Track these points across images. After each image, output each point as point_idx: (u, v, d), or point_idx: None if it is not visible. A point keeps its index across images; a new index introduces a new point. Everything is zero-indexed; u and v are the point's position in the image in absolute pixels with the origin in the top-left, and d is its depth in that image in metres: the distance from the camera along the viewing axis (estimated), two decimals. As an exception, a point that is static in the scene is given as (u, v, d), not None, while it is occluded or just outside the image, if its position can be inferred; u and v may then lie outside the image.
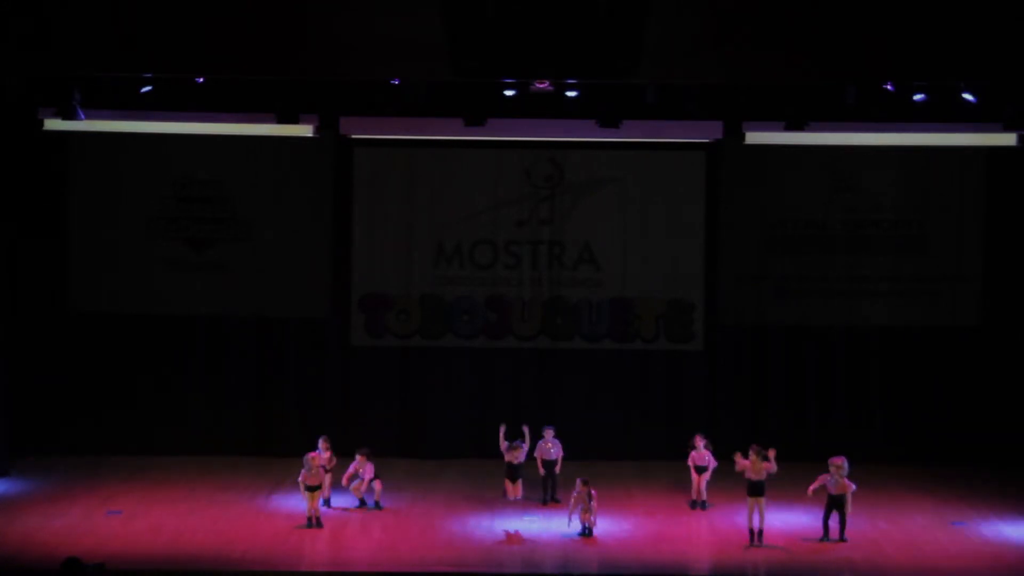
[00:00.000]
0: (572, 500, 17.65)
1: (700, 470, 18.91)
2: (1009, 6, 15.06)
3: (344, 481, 18.82)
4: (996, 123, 18.13)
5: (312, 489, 17.99)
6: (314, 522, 17.97)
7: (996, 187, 21.77)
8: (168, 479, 20.29)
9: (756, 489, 17.39)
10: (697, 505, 18.97)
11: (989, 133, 18.51)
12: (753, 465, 17.46)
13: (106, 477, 20.33)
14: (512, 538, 17.68)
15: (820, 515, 17.60)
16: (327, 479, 18.63)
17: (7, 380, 20.85)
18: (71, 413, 21.62)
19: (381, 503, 18.92)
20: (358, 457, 18.85)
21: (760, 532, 17.37)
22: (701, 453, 18.89)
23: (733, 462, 17.73)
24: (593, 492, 17.52)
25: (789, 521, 18.31)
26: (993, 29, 15.22)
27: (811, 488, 17.61)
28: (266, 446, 21.68)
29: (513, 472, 18.89)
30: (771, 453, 17.51)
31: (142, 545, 17.09)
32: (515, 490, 18.88)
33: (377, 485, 18.87)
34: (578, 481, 17.61)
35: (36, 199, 21.56)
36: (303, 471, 18.02)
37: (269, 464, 21.01)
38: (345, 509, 18.75)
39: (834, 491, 17.42)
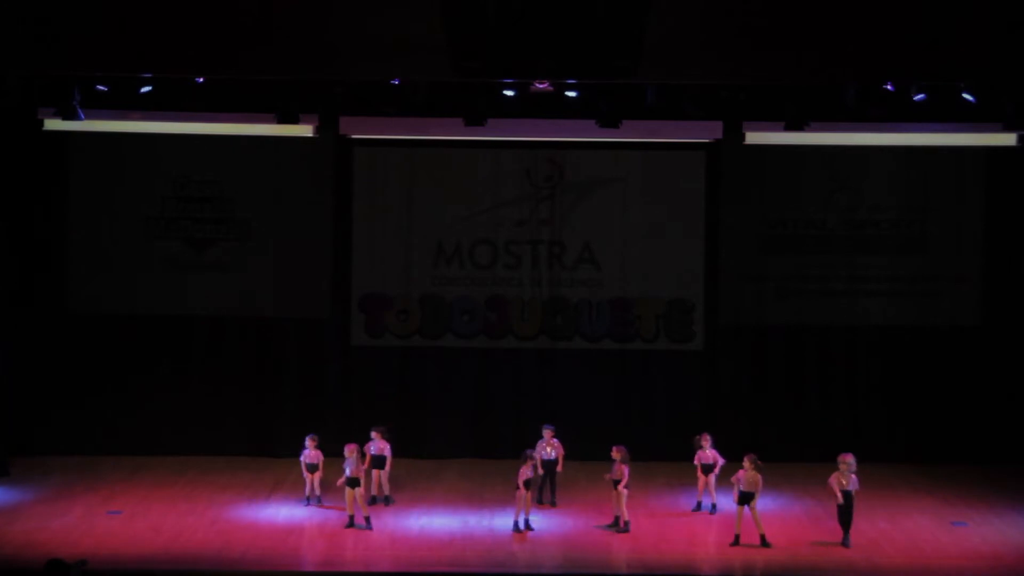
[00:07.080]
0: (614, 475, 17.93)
1: (707, 470, 18.78)
2: (1009, 6, 15.05)
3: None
4: (996, 123, 18.12)
5: (351, 485, 17.82)
6: (363, 522, 17.74)
7: (996, 187, 21.76)
8: (168, 479, 20.29)
9: (745, 497, 17.35)
10: (705, 507, 18.80)
11: (989, 133, 18.51)
12: (747, 476, 17.34)
13: (106, 477, 20.33)
14: (512, 538, 17.68)
15: (819, 514, 17.54)
16: (316, 477, 18.71)
17: (7, 380, 20.86)
18: (71, 413, 21.60)
19: (391, 497, 18.99)
20: (374, 434, 18.78)
21: (762, 536, 17.26)
22: (708, 452, 18.78)
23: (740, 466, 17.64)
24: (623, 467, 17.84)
25: (789, 522, 18.31)
26: (993, 29, 15.20)
27: (838, 494, 17.28)
28: (266, 446, 21.67)
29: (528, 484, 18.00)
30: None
31: (142, 545, 17.08)
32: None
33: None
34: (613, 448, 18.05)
35: (36, 199, 21.57)
36: (345, 466, 17.89)
37: (269, 464, 21.04)
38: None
39: (848, 487, 17.28)
